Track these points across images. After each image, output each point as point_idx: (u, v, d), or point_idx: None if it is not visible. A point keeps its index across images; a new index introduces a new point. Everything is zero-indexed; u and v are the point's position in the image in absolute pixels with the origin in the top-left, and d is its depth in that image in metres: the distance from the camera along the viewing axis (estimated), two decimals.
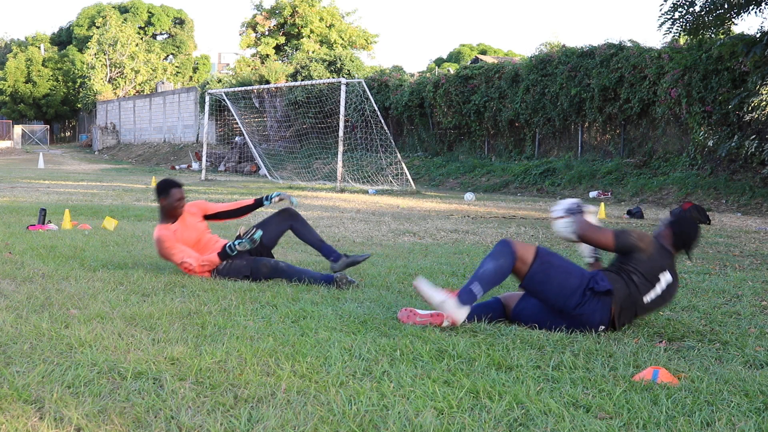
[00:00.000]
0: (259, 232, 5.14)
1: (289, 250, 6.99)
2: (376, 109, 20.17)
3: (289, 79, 32.44)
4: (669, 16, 14.23)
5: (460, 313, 3.72)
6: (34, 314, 3.90)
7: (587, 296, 3.79)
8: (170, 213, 5.35)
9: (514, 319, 3.99)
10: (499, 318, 4.02)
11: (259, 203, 5.73)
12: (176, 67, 58.63)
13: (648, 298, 3.86)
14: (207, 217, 5.64)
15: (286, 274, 5.12)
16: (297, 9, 44.57)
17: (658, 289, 3.87)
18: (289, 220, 5.52)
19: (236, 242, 5.10)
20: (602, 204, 13.32)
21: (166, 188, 5.35)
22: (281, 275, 5.13)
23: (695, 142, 16.93)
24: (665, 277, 3.89)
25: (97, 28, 52.72)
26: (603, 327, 3.81)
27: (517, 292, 4.11)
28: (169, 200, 5.32)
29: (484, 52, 57.35)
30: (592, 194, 17.61)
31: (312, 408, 2.60)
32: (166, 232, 5.24)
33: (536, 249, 3.90)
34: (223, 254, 5.14)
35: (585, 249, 4.31)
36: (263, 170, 25.46)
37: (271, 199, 5.68)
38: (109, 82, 51.15)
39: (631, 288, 3.81)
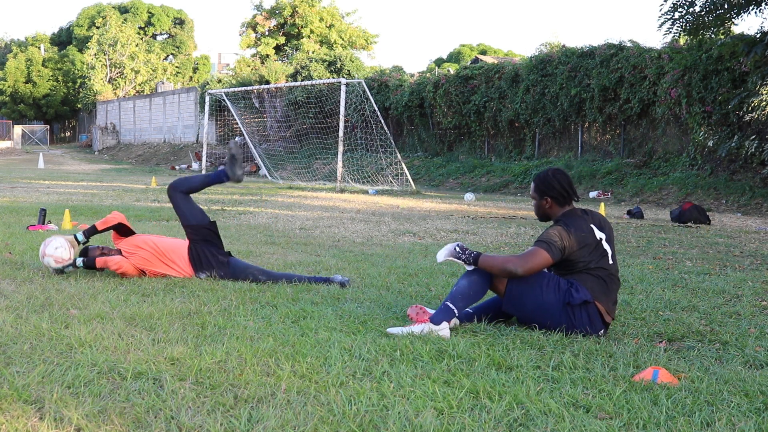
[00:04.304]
0: (80, 262, 5.24)
1: (289, 251, 6.99)
2: (376, 109, 20.17)
3: (289, 79, 32.44)
4: (669, 16, 14.23)
5: (442, 331, 3.66)
6: (34, 314, 3.90)
7: (569, 312, 3.73)
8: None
9: (505, 305, 3.96)
10: (501, 317, 4.01)
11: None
12: (176, 67, 58.64)
13: (609, 259, 3.84)
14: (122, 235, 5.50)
15: (266, 281, 5.11)
16: (297, 9, 44.58)
17: (605, 246, 3.83)
18: (174, 191, 5.37)
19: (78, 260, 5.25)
20: (602, 204, 13.31)
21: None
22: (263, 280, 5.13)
23: (695, 142, 16.93)
24: (598, 233, 3.82)
25: (97, 28, 52.73)
26: (602, 331, 3.79)
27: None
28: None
29: (484, 52, 57.35)
30: (592, 194, 17.61)
31: (312, 408, 2.60)
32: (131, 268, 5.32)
33: None
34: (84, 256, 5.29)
35: None
36: (263, 170, 25.47)
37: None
38: (109, 82, 51.16)
39: (600, 273, 3.79)
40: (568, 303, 3.73)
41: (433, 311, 3.87)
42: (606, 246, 3.84)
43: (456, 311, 3.72)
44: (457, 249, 3.87)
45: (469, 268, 3.84)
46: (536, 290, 3.78)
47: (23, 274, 5.17)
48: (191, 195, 5.44)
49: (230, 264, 5.19)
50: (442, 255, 3.89)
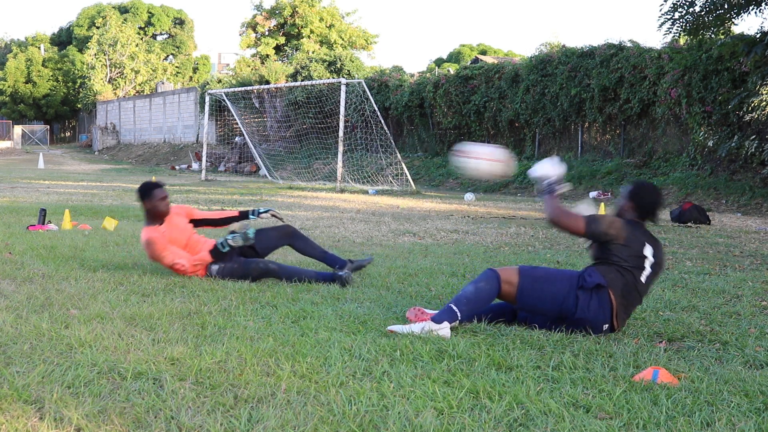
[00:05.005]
0: (252, 230, 5.17)
1: (289, 251, 6.98)
2: (376, 109, 20.17)
3: (289, 79, 32.43)
4: (669, 17, 14.22)
5: (442, 330, 3.65)
6: (34, 314, 3.90)
7: (581, 296, 3.74)
8: (155, 214, 5.33)
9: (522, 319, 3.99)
10: (501, 318, 4.01)
11: (244, 216, 5.68)
12: (176, 67, 58.62)
13: (643, 277, 3.84)
14: (192, 222, 5.62)
15: (277, 275, 5.14)
16: (297, 9, 44.58)
17: (647, 264, 3.84)
18: (288, 238, 5.54)
19: (229, 237, 5.12)
20: (602, 204, 13.31)
21: (147, 190, 5.34)
22: (273, 275, 5.15)
23: (695, 142, 16.92)
24: (648, 251, 3.84)
25: (97, 28, 52.71)
26: (606, 326, 3.78)
27: (511, 268, 4.11)
28: (152, 201, 5.30)
29: (484, 53, 57.33)
30: (592, 194, 17.61)
31: (312, 408, 2.60)
32: (156, 234, 5.21)
33: (518, 268, 3.88)
34: (215, 252, 5.15)
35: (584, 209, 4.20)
36: (263, 170, 25.46)
37: (258, 214, 5.66)
38: (109, 82, 51.15)
39: (627, 276, 3.78)
40: (581, 287, 3.75)
41: (432, 312, 3.88)
42: (648, 265, 3.85)
43: (459, 314, 3.72)
44: (552, 179, 3.97)
45: (538, 198, 4.02)
46: (548, 282, 3.80)
47: (23, 274, 5.17)
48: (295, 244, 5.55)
49: (242, 262, 5.23)
50: (537, 171, 4.02)
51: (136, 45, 52.09)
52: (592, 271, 3.80)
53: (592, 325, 3.75)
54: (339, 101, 19.75)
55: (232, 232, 5.20)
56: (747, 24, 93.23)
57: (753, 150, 15.05)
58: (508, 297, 3.87)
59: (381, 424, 2.48)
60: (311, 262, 6.00)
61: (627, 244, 3.80)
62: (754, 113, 14.75)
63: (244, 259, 5.24)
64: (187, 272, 5.20)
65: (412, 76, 28.94)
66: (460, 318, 3.73)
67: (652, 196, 3.97)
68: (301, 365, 3.08)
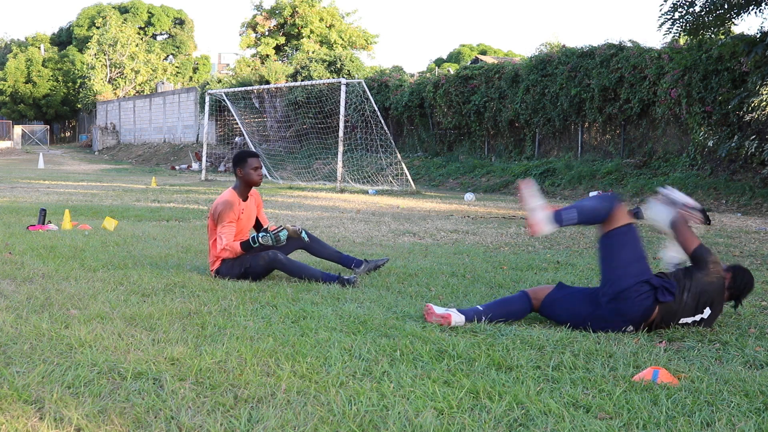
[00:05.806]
0: (285, 232, 5.21)
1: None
2: (376, 109, 20.17)
3: (289, 79, 32.43)
4: (669, 17, 14.22)
5: (545, 227, 3.80)
6: (34, 314, 3.90)
7: (642, 289, 3.77)
8: (247, 182, 5.39)
9: (543, 309, 3.99)
10: (522, 311, 4.01)
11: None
12: (176, 67, 58.64)
13: (684, 320, 3.89)
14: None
15: (285, 268, 5.16)
16: (297, 9, 44.60)
17: (696, 318, 3.89)
18: (302, 239, 5.58)
19: (260, 235, 5.16)
20: None
21: (240, 159, 5.39)
22: (279, 267, 5.17)
23: (695, 142, 16.92)
24: (707, 312, 3.90)
25: (97, 28, 52.75)
26: (632, 328, 3.81)
27: (547, 285, 4.14)
28: (244, 170, 5.35)
29: (484, 53, 57.33)
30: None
31: (312, 408, 2.60)
32: (237, 205, 5.29)
33: (631, 222, 3.95)
34: (245, 245, 5.18)
35: (671, 256, 4.22)
36: (263, 170, 25.44)
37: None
38: (109, 82, 51.16)
39: (675, 306, 3.83)
40: (654, 287, 3.78)
41: (437, 309, 3.90)
42: (692, 318, 3.90)
43: (570, 222, 3.84)
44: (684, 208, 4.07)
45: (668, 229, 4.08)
46: (636, 254, 3.84)
47: (23, 274, 5.17)
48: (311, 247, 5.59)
49: (252, 255, 5.25)
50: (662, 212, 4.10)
51: (136, 45, 52.11)
52: (674, 284, 3.85)
53: (621, 317, 3.78)
54: (339, 101, 19.75)
55: (265, 230, 5.25)
56: (747, 24, 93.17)
57: (753, 150, 15.05)
58: (606, 226, 3.91)
59: (381, 424, 2.48)
60: (319, 262, 6.00)
61: (707, 285, 3.88)
62: (754, 113, 14.74)
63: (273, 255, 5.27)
64: (216, 252, 5.24)
65: (412, 76, 28.94)
66: (562, 220, 3.85)
67: (747, 281, 4.07)
68: (301, 365, 3.08)
